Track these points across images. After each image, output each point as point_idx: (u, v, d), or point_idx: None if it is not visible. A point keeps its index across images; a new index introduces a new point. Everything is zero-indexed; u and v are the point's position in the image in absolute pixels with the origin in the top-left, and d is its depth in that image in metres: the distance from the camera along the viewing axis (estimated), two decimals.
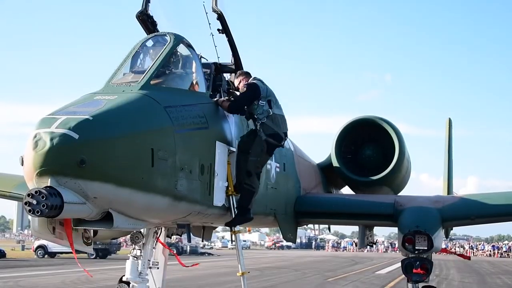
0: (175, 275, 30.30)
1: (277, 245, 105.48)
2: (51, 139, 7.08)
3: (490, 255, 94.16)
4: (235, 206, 10.17)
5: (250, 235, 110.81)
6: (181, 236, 15.17)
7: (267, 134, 10.11)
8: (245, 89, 10.01)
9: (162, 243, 12.06)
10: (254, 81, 10.17)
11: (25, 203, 7.04)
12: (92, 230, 9.99)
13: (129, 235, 10.32)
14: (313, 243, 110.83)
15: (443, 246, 16.29)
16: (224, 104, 9.85)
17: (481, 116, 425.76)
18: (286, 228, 13.62)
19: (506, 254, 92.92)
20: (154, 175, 7.92)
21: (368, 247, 18.93)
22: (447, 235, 19.34)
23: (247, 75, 10.47)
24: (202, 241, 15.66)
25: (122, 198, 7.65)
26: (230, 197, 10.15)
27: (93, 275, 28.32)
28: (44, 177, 7.14)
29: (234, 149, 10.34)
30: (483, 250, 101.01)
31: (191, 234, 11.17)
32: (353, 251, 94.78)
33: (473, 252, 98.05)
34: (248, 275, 10.93)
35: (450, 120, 24.14)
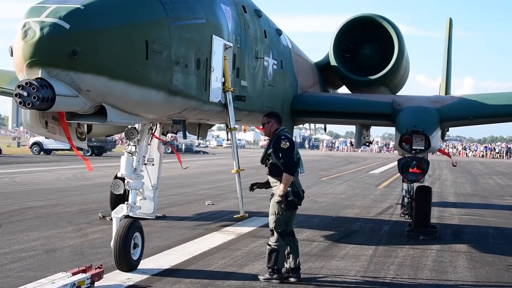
0: (170, 172, 30.52)
1: None
2: (41, 29, 6.81)
3: (482, 156, 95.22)
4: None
5: (245, 134, 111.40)
6: (176, 134, 15.10)
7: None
8: (288, 144, 9.34)
9: (158, 138, 11.98)
10: (287, 137, 9.56)
11: (16, 95, 6.84)
12: (85, 126, 9.87)
13: (124, 131, 10.19)
14: (306, 142, 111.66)
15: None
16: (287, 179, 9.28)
17: (481, 17, 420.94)
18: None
19: (498, 155, 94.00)
20: (149, 68, 7.70)
21: (363, 147, 18.95)
22: (443, 136, 19.31)
23: (278, 118, 9.86)
24: (198, 139, 15.61)
25: (115, 91, 7.46)
26: (227, 93, 9.99)
27: (87, 172, 28.56)
28: (35, 68, 6.91)
29: (231, 44, 10.08)
30: (476, 151, 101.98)
31: (187, 132, 11.03)
32: (347, 151, 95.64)
33: (466, 153, 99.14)
34: (242, 172, 10.90)
35: (450, 20, 23.67)
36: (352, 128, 16.16)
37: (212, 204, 18.57)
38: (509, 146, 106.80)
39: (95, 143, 48.33)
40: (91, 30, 6.99)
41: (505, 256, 12.03)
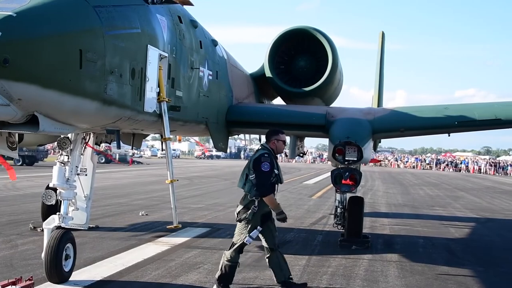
0: (103, 182, 30.13)
1: (206, 154, 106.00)
2: None
3: (413, 167, 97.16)
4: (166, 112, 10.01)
5: (180, 145, 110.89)
6: (110, 143, 14.95)
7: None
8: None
9: (91, 147, 11.84)
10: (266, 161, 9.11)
11: None
12: (17, 135, 9.68)
13: (56, 141, 10.03)
14: (242, 153, 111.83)
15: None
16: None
17: (414, 30, 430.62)
18: (218, 137, 13.57)
19: (428, 166, 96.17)
20: (82, 77, 7.60)
21: (297, 157, 19.13)
22: (375, 147, 19.66)
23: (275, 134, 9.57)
24: (132, 148, 15.45)
25: (48, 100, 7.33)
26: (162, 103, 9.96)
27: (18, 182, 27.93)
28: None
29: (166, 54, 10.06)
30: (407, 162, 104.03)
31: (121, 142, 10.93)
32: (281, 161, 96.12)
33: (398, 164, 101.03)
34: (176, 183, 10.87)
35: (383, 34, 24.17)
36: (287, 139, 16.27)
37: (146, 214, 18.41)
38: (438, 157, 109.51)
39: (26, 153, 47.28)
40: (23, 38, 6.85)
41: (434, 265, 12.32)
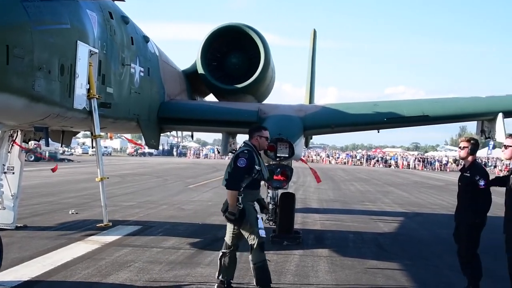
0: (32, 181, 29.52)
1: (139, 151, 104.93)
2: None
3: (344, 163, 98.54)
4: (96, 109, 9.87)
5: (112, 142, 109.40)
6: (39, 141, 14.65)
7: None
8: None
9: (19, 145, 11.59)
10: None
11: None
12: None
13: None
14: (175, 150, 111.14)
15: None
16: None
17: (345, 28, 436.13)
18: (149, 134, 13.46)
19: (359, 162, 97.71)
20: (9, 73, 7.42)
21: (230, 154, 19.10)
22: (306, 144, 19.86)
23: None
24: (61, 146, 15.16)
25: None
26: (92, 100, 9.82)
27: None
28: None
29: (97, 50, 9.92)
30: (338, 158, 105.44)
31: (50, 139, 10.72)
32: (214, 158, 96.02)
33: (329, 160, 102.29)
34: (107, 181, 10.74)
35: (315, 31, 24.44)
36: (220, 136, 16.27)
37: (76, 213, 18.13)
38: (369, 153, 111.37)
39: None
40: None
41: (363, 259, 12.55)
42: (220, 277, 9.26)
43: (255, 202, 9.25)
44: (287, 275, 10.67)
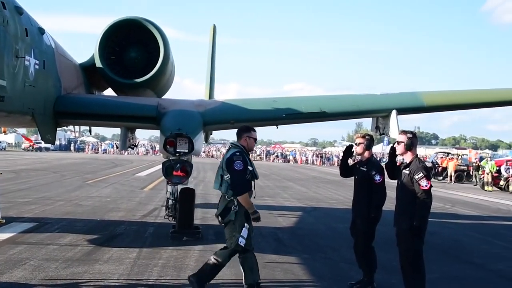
0: None
1: (34, 146, 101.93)
2: None
3: None
4: None
5: (6, 136, 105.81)
6: None
7: None
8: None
9: None
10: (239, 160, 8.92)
11: None
12: None
13: None
14: (73, 145, 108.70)
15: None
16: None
17: (246, 25, 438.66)
18: (45, 129, 13.10)
19: (259, 158, 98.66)
20: None
21: (129, 149, 18.90)
22: (207, 139, 19.87)
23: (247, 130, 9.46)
24: None
25: None
26: None
27: None
28: None
29: None
30: None
31: None
32: (113, 153, 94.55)
33: None
34: (0, 176, 10.42)
35: (214, 27, 24.45)
36: (119, 131, 16.02)
37: None
38: (268, 149, 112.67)
39: None
40: None
41: (262, 253, 12.61)
42: (248, 282, 9.03)
43: None
44: (187, 271, 10.66)
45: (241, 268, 9.05)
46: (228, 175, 8.88)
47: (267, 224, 17.69)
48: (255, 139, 9.51)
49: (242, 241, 8.82)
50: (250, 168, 9.01)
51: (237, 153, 8.92)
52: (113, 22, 16.21)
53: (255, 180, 9.24)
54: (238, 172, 8.79)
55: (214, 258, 8.92)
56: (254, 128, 9.67)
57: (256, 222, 9.05)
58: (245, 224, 8.91)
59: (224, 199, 9.03)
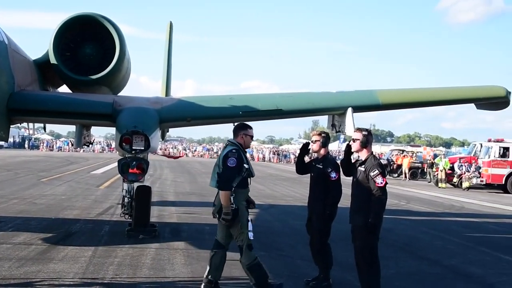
0: None
1: None
2: None
3: (201, 156, 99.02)
4: None
5: None
6: None
7: None
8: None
9: None
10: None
11: None
12: None
13: None
14: (27, 142, 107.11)
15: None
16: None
17: (202, 22, 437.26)
18: None
19: (216, 155, 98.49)
20: None
21: (85, 147, 18.70)
22: (163, 136, 19.78)
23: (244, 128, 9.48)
24: None
25: None
26: None
27: None
28: None
29: None
30: (195, 151, 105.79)
31: None
32: (68, 151, 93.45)
33: (186, 153, 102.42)
34: None
35: (171, 24, 24.33)
36: (74, 128, 15.84)
37: None
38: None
39: None
40: None
41: None
42: (210, 276, 9.06)
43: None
44: (143, 269, 10.61)
45: (208, 262, 9.15)
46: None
47: None
48: (252, 137, 9.56)
49: (251, 235, 8.99)
50: (246, 166, 9.04)
51: (233, 150, 8.98)
52: (68, 18, 15.99)
53: (251, 178, 9.29)
54: (229, 168, 8.84)
55: (245, 264, 9.04)
56: (251, 126, 9.70)
57: (224, 222, 9.02)
58: (249, 218, 9.04)
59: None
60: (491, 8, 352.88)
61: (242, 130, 9.42)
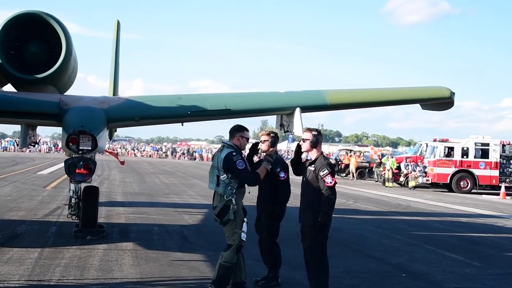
0: None
1: None
2: None
3: (150, 155, 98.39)
4: None
5: None
6: None
7: None
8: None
9: None
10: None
11: None
12: None
13: None
14: None
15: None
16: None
17: (150, 21, 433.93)
18: None
19: (165, 155, 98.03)
20: None
21: (31, 147, 18.40)
22: (111, 136, 19.57)
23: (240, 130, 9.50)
24: None
25: None
26: None
27: None
28: None
29: None
30: (144, 151, 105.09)
31: None
32: (14, 151, 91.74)
33: (135, 153, 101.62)
34: None
35: (118, 23, 24.07)
36: (19, 128, 15.55)
37: None
38: (174, 146, 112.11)
39: None
40: None
41: (168, 251, 12.65)
42: (237, 279, 9.22)
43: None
44: (91, 270, 10.50)
45: (216, 267, 9.07)
46: (225, 175, 9.00)
47: (173, 221, 17.64)
48: (248, 139, 9.64)
49: (244, 236, 8.97)
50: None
51: (233, 153, 9.05)
52: (12, 16, 15.68)
53: None
54: (243, 170, 8.96)
55: (223, 261, 8.97)
56: (247, 128, 9.75)
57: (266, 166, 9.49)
58: (244, 219, 9.03)
59: (222, 199, 9.04)
60: (437, 10, 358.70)
61: (238, 132, 9.50)
